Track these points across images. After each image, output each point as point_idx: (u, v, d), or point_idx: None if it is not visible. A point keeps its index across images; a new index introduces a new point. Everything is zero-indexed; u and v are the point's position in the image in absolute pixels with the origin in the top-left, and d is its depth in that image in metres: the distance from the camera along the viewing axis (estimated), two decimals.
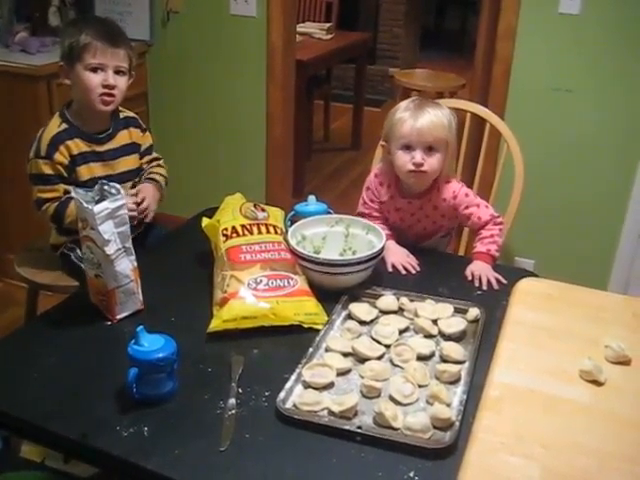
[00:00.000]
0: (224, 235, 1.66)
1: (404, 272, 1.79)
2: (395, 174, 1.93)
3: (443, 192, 1.92)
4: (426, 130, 1.81)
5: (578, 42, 2.81)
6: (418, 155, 1.82)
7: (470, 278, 1.77)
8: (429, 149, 1.83)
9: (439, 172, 1.88)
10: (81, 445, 1.21)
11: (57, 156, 1.97)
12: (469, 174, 2.49)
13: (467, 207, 1.91)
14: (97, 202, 1.49)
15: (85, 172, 2.03)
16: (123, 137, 2.12)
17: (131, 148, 2.14)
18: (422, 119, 1.81)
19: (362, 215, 1.97)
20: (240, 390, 1.31)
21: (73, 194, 1.54)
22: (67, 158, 1.99)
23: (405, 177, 1.89)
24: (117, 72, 1.99)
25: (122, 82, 2.01)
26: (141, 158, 2.18)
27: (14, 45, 3.11)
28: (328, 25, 5.02)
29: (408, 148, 1.84)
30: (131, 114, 2.16)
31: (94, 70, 1.96)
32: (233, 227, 1.67)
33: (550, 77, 2.90)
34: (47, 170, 1.97)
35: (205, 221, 1.75)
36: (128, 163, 2.13)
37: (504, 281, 1.75)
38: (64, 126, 2.00)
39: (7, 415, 1.29)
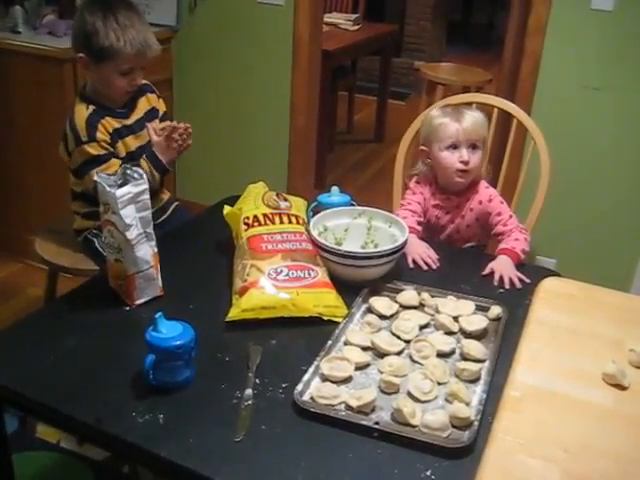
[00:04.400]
0: (245, 224, 1.65)
1: (425, 268, 1.77)
2: (434, 175, 2.01)
3: (481, 194, 1.98)
4: (471, 129, 1.92)
5: (610, 39, 2.76)
6: (465, 153, 1.91)
7: (488, 273, 1.75)
8: (473, 147, 1.93)
9: (480, 169, 1.97)
10: (96, 429, 1.20)
11: (99, 135, 2.00)
12: (494, 170, 2.46)
13: (499, 213, 1.95)
14: (120, 186, 1.49)
15: (122, 148, 2.07)
16: (143, 104, 2.15)
17: (152, 113, 2.18)
18: (465, 120, 1.92)
19: (402, 205, 2.01)
20: (257, 381, 1.30)
21: (96, 178, 1.54)
22: (107, 135, 2.02)
23: (451, 176, 1.96)
24: (142, 67, 2.05)
25: (142, 76, 2.07)
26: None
27: (42, 28, 3.12)
28: (355, 16, 4.99)
29: (454, 148, 1.93)
30: (144, 81, 2.16)
31: (123, 73, 2.00)
32: (255, 216, 1.66)
33: (580, 74, 2.85)
34: (96, 151, 2.00)
35: (227, 209, 1.74)
36: None
37: (527, 280, 1.72)
38: (91, 108, 2.02)
39: (23, 396, 1.29)
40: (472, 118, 1.93)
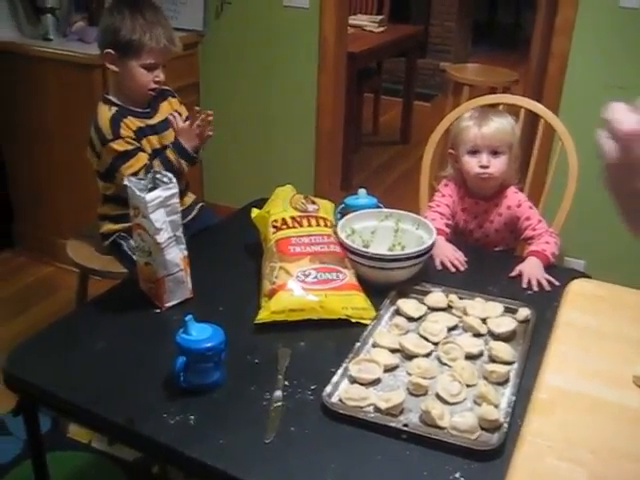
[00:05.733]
0: (274, 226, 1.66)
1: (453, 270, 1.77)
2: (463, 179, 2.01)
3: (510, 199, 1.97)
4: (491, 135, 1.91)
5: (639, 37, 2.73)
6: (484, 158, 1.91)
7: (517, 274, 1.74)
8: (494, 153, 1.92)
9: (505, 174, 1.95)
10: (127, 430, 1.22)
11: (123, 132, 2.04)
12: (520, 171, 2.45)
13: (528, 218, 1.94)
14: (149, 190, 1.51)
15: (146, 145, 2.10)
16: (165, 108, 2.18)
17: None
18: (486, 125, 1.92)
19: (431, 207, 2.01)
20: (286, 382, 1.31)
21: (126, 182, 1.56)
22: (131, 133, 2.05)
23: (473, 180, 1.97)
24: (163, 65, 2.09)
25: (164, 74, 2.10)
26: None
27: (72, 34, 3.17)
28: (380, 17, 4.99)
29: (474, 153, 1.93)
30: (165, 86, 2.19)
31: (148, 68, 2.04)
32: (283, 219, 1.67)
33: (607, 73, 2.83)
34: (122, 147, 2.03)
35: (255, 212, 1.76)
36: None
37: (556, 282, 1.71)
38: (114, 109, 2.06)
39: (56, 397, 1.31)
40: (495, 124, 1.92)
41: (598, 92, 2.86)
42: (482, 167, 1.91)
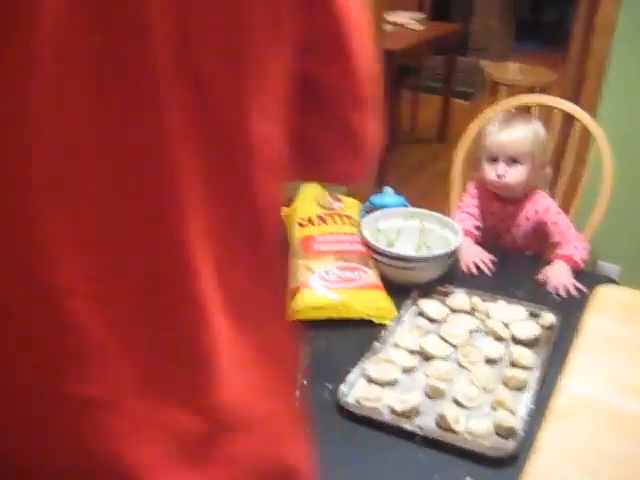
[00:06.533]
0: (300, 224, 1.67)
1: (476, 272, 1.75)
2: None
3: (537, 203, 1.92)
4: (508, 144, 1.85)
5: None
6: (500, 167, 1.85)
7: (543, 279, 1.72)
8: (512, 161, 1.85)
9: (524, 183, 1.89)
10: None
11: None
12: (554, 173, 2.41)
13: (555, 223, 1.88)
14: None
15: None
16: None
17: None
18: (505, 133, 1.85)
19: (460, 207, 1.99)
20: (305, 381, 1.31)
21: None
22: None
23: (490, 187, 1.93)
24: None
25: None
26: None
27: None
28: (421, 16, 4.95)
29: (493, 160, 1.87)
30: None
31: None
32: (309, 217, 1.68)
33: None
34: None
35: (282, 209, 1.76)
36: None
37: (584, 289, 1.67)
38: None
39: None
40: (516, 132, 1.85)
41: (639, 95, 2.80)
42: (498, 175, 1.85)
